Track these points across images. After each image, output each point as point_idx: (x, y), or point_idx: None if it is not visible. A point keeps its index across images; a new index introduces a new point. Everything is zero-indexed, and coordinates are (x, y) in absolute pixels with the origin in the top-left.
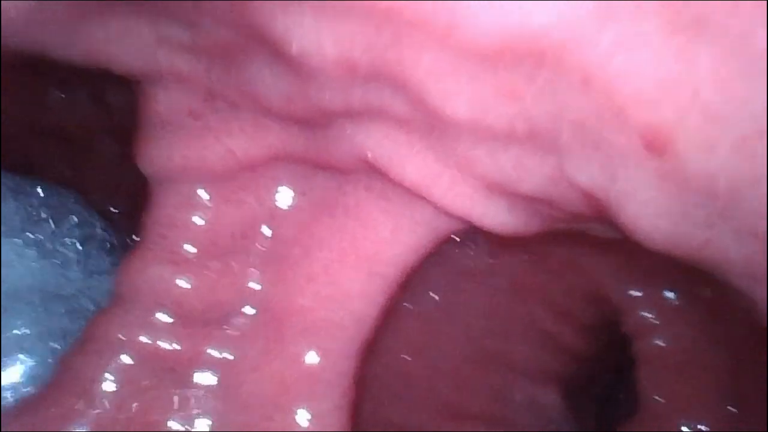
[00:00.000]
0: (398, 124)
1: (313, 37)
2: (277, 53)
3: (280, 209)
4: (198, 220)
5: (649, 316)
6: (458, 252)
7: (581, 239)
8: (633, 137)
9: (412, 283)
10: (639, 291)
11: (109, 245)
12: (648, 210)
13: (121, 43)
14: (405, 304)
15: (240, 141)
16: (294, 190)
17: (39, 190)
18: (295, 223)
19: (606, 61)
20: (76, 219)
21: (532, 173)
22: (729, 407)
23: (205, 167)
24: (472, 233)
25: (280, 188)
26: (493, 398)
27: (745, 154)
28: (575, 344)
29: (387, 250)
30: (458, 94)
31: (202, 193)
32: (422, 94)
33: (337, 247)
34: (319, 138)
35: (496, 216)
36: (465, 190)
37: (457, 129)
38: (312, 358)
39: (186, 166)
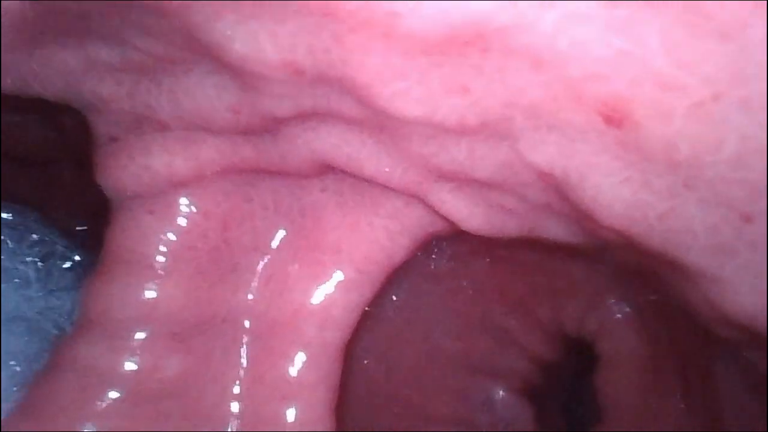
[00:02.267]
0: (349, 125)
1: (252, 41)
2: (218, 62)
3: (232, 219)
4: (150, 237)
5: (610, 319)
6: (421, 255)
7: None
8: (590, 113)
9: None
10: (600, 295)
11: (70, 262)
12: (609, 180)
13: (48, 73)
14: (366, 308)
15: (162, 159)
16: (244, 199)
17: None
18: (250, 230)
19: (553, 41)
20: (35, 237)
21: (485, 161)
22: (682, 405)
23: (131, 187)
24: (436, 239)
25: (228, 199)
26: (455, 399)
27: (702, 118)
28: (537, 346)
29: (349, 247)
30: (407, 94)
31: (150, 210)
32: (370, 95)
33: (294, 247)
34: (269, 145)
35: (452, 208)
36: (419, 184)
37: (407, 128)
38: (271, 362)
39: (123, 185)
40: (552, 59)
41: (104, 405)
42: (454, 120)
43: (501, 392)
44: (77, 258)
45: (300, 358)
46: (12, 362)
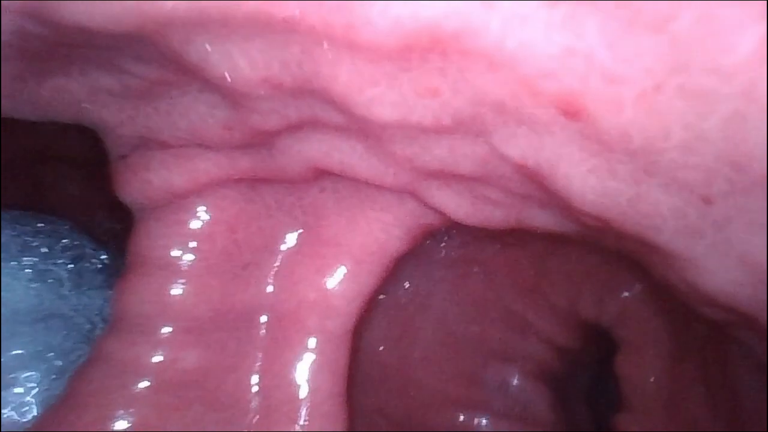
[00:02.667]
0: (336, 132)
1: (227, 61)
2: (205, 82)
3: (238, 222)
4: (159, 242)
5: (630, 305)
6: (431, 243)
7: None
8: (549, 108)
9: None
10: (618, 280)
11: (99, 264)
12: (577, 170)
13: (58, 101)
14: (379, 295)
15: (164, 173)
16: (247, 203)
17: (34, 220)
18: (256, 231)
19: (501, 43)
20: (66, 241)
21: (465, 157)
22: (703, 389)
23: (140, 199)
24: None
25: (232, 204)
26: (470, 383)
27: (648, 108)
28: (552, 330)
29: (347, 240)
30: (381, 100)
31: (157, 219)
32: (347, 104)
33: (298, 244)
34: (266, 157)
35: (440, 202)
36: (410, 182)
37: (388, 131)
38: (281, 350)
39: (133, 198)
40: (504, 60)
41: (131, 394)
42: (430, 121)
43: (516, 376)
44: (106, 259)
45: (306, 345)
46: (51, 355)
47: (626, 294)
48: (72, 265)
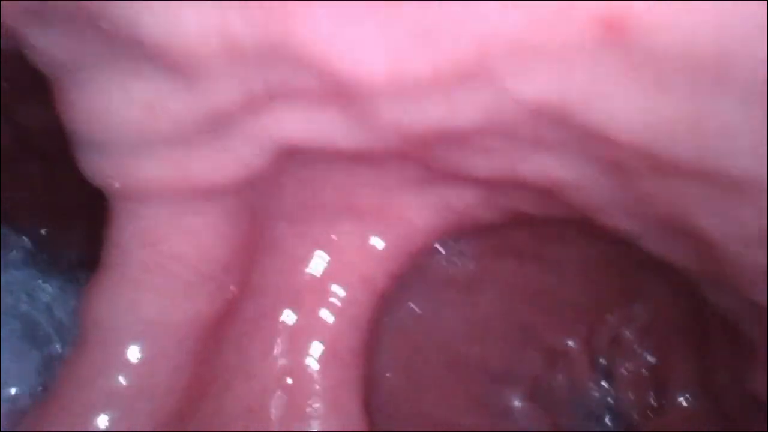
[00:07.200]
0: (312, 103)
1: (175, 24)
2: (151, 55)
3: (172, 237)
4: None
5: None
6: (439, 258)
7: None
8: (586, 28)
9: (391, 294)
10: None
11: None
12: (623, 95)
13: None
14: (384, 318)
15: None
16: (188, 214)
17: None
18: (194, 244)
19: None
20: None
21: (467, 110)
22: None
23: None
24: (454, 240)
25: (170, 220)
26: (474, 407)
27: (726, 6)
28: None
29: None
30: (372, 50)
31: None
32: (329, 61)
33: (252, 245)
34: (214, 156)
35: (429, 157)
36: (400, 146)
37: (377, 93)
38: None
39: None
40: None
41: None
42: (428, 71)
43: (518, 399)
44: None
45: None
46: None
47: (653, 302)
48: None
